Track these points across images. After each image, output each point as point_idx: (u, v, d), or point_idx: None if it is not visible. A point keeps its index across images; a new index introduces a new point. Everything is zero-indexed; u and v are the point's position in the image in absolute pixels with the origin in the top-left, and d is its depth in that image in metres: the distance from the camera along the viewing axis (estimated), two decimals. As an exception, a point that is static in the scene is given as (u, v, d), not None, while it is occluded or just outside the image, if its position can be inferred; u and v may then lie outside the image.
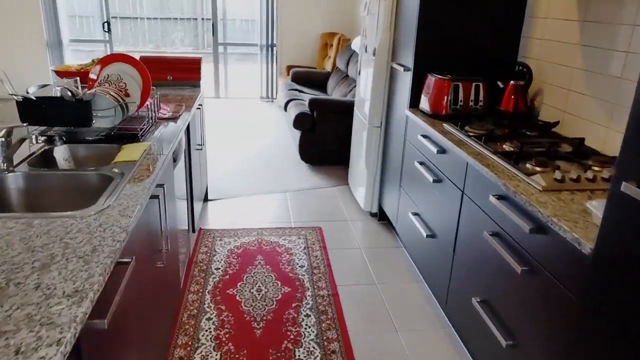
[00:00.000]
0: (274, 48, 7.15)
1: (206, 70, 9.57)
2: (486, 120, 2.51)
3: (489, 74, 2.71)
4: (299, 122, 4.45)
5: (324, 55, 6.97)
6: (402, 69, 2.89)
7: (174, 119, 2.41)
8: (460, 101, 2.58)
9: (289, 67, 7.05)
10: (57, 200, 1.67)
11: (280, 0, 6.92)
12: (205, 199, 3.79)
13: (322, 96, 4.54)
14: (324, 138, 4.51)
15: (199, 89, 3.24)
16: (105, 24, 6.92)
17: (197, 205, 3.23)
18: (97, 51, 7.33)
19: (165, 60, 3.27)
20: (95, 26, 9.34)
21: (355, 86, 5.07)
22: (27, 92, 3.04)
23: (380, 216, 3.53)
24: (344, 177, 4.30)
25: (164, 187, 1.82)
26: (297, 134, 4.60)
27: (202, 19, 11.65)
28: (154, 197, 1.71)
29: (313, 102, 4.43)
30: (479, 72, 2.72)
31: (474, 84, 2.59)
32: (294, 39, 7.13)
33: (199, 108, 3.10)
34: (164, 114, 2.42)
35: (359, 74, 3.75)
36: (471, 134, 2.28)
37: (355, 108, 3.93)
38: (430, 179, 2.42)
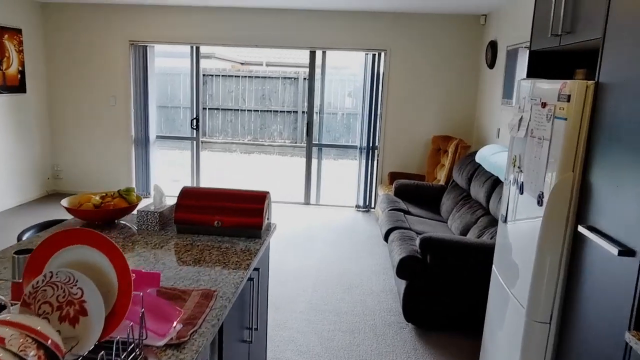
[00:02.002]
0: (376, 150, 6.12)
1: (298, 169, 8.82)
2: None
3: None
4: (406, 270, 3.17)
5: (435, 162, 5.77)
6: (611, 248, 1.55)
7: (179, 345, 1.27)
8: None
9: (392, 175, 5.91)
10: None
11: (386, 96, 5.96)
12: (262, 388, 2.58)
13: (439, 234, 3.29)
14: (439, 293, 3.18)
15: (259, 241, 2.15)
16: (194, 121, 6.39)
17: None
18: (185, 147, 6.80)
19: (213, 194, 2.24)
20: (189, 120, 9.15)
21: (483, 214, 3.74)
22: (18, 241, 2.14)
23: None
24: (470, 358, 2.88)
25: None
26: (402, 281, 3.32)
27: (303, 112, 11.21)
28: None
29: (426, 243, 3.16)
30: None
31: None
32: (400, 140, 6.05)
33: (252, 278, 1.97)
34: (161, 336, 1.29)
35: (505, 218, 2.45)
36: None
37: (494, 264, 2.60)
38: None
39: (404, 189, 5.00)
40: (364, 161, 6.15)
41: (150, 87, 6.24)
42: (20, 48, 5.79)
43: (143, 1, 5.74)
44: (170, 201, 2.40)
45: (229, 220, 2.17)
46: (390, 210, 4.44)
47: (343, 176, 9.12)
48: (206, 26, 6.00)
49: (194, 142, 6.47)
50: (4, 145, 5.64)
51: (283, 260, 4.36)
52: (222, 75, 11.43)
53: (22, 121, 5.90)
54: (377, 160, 6.13)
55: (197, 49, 6.23)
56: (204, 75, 11.37)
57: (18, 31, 5.73)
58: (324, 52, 6.09)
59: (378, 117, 6.04)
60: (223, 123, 11.48)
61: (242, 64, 14.97)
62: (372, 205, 6.23)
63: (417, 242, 3.22)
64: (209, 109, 11.42)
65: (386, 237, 3.89)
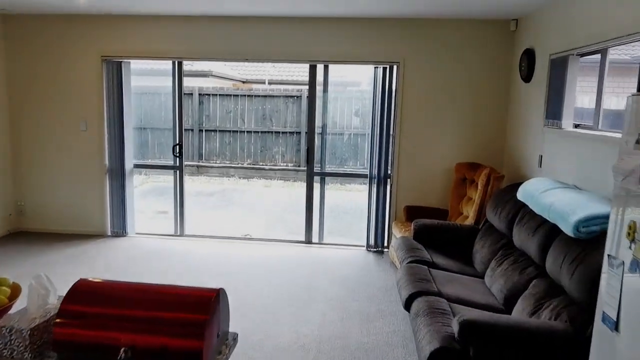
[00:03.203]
0: (388, 180, 5.19)
1: (300, 197, 7.87)
2: None
3: None
4: (439, 368, 2.22)
5: (460, 194, 4.82)
6: None
7: None
8: None
9: (409, 209, 4.97)
10: None
11: (399, 116, 5.06)
12: None
13: (485, 315, 2.36)
14: (487, 400, 2.21)
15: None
16: (176, 147, 5.51)
17: None
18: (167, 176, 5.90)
19: (125, 292, 1.32)
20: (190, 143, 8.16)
21: (536, 275, 2.80)
22: None
23: None
24: None
25: None
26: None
27: (306, 132, 10.32)
28: None
29: (469, 330, 2.20)
30: None
31: None
32: (417, 168, 5.12)
33: None
34: None
35: (614, 324, 1.50)
36: None
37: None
38: None
39: (425, 230, 4.04)
40: (374, 192, 5.21)
41: (126, 109, 5.39)
42: (-27, 66, 4.98)
43: (117, 10, 4.93)
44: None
45: (145, 344, 1.24)
46: (411, 262, 3.49)
47: (351, 206, 8.18)
48: (189, 38, 5.16)
49: (177, 171, 5.58)
50: (-49, 179, 4.80)
51: (272, 331, 3.41)
52: (220, 95, 10.63)
53: (-25, 150, 5.07)
54: (391, 191, 5.20)
55: (179, 64, 5.38)
56: (200, 94, 10.59)
57: (-30, 46, 4.94)
58: (325, 66, 5.22)
59: (390, 140, 5.12)
60: (221, 145, 10.64)
61: (243, 82, 14.21)
62: (386, 244, 5.28)
63: (455, 326, 2.27)
64: (205, 130, 10.61)
65: (407, 305, 2.94)
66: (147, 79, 9.96)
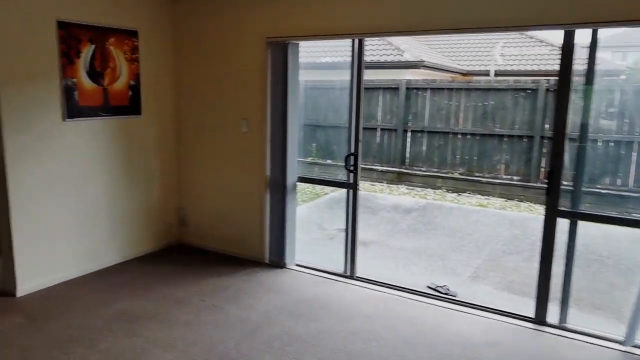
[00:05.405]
0: None
1: (526, 228, 4.95)
2: None
3: None
4: None
5: None
6: None
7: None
8: None
9: None
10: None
11: None
12: None
13: None
14: None
15: None
16: (350, 158, 4.01)
17: None
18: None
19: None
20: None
21: None
22: None
23: None
24: None
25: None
26: None
27: (541, 137, 7.79)
28: None
29: None
30: None
31: None
32: None
33: None
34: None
35: None
36: None
37: None
38: None
39: None
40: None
41: (291, 105, 4.13)
42: (134, 56, 4.33)
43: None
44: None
45: None
46: None
47: (613, 249, 5.48)
48: (371, 9, 3.59)
49: (350, 190, 4.10)
50: (108, 182, 4.22)
51: None
52: (431, 88, 8.86)
53: (133, 152, 4.44)
54: None
55: (360, 43, 3.85)
56: (407, 88, 9.01)
57: (131, 34, 4.29)
58: (594, 31, 3.03)
59: None
60: (428, 150, 8.89)
61: (463, 74, 12.12)
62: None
63: None
64: (411, 131, 9.00)
65: None
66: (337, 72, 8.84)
